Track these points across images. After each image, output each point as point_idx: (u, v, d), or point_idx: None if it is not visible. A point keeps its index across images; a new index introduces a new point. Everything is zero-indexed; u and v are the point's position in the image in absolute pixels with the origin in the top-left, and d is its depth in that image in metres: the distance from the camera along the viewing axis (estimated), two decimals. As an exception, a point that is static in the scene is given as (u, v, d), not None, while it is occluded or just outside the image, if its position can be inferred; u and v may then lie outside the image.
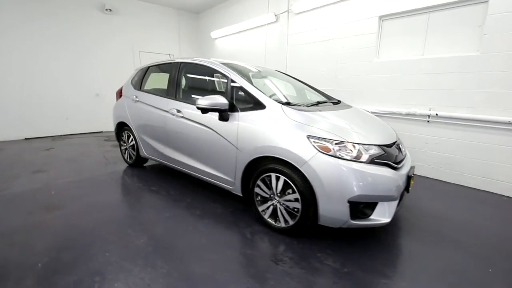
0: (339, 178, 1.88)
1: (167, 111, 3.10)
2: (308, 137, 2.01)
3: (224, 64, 2.81)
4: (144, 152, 3.63)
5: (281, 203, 2.20)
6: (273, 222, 2.30)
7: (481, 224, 2.56)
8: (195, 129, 2.77)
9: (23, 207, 2.70)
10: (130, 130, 3.79)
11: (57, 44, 6.13)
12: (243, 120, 2.38)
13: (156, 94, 3.40)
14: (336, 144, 1.95)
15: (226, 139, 2.48)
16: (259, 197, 2.36)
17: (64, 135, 6.52)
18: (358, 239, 2.22)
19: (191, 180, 3.49)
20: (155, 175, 3.70)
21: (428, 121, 3.62)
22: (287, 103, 2.34)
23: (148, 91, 3.57)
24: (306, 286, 1.69)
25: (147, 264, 1.86)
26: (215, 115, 2.57)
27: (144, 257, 1.94)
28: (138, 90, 3.71)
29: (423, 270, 1.88)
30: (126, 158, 4.08)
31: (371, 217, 1.97)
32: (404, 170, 2.15)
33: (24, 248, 2.03)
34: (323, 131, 2.03)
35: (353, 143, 1.98)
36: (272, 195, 2.25)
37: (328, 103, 2.86)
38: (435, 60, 3.49)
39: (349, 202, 1.88)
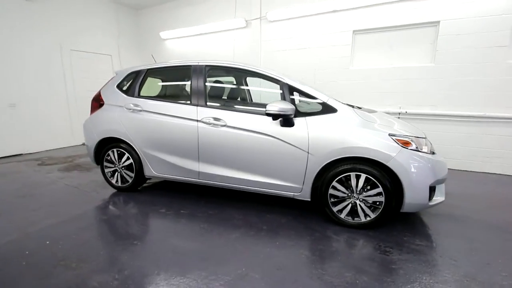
0: (422, 168, 2.19)
1: (197, 121, 2.72)
2: (390, 135, 2.24)
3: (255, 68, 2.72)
4: (152, 171, 3.03)
5: (361, 199, 2.34)
6: (351, 220, 2.41)
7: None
8: (248, 138, 2.56)
9: (32, 276, 1.84)
10: (126, 147, 3.08)
11: None
12: (313, 124, 2.39)
13: (172, 102, 2.91)
14: (412, 139, 2.25)
15: (294, 145, 2.42)
16: (332, 199, 2.43)
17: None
18: (404, 221, 2.60)
19: (207, 193, 3.16)
20: (162, 196, 3.17)
21: (398, 117, 4.49)
22: (351, 106, 2.50)
23: (157, 99, 3.01)
24: (428, 265, 1.90)
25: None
26: (272, 121, 2.48)
27: None
28: (136, 97, 3.06)
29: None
30: (115, 182, 3.27)
31: (434, 197, 2.37)
32: None
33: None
34: (400, 130, 2.31)
35: (421, 137, 2.33)
36: (350, 194, 2.36)
37: (356, 106, 3.17)
38: (402, 68, 4.37)
39: (430, 187, 2.21)
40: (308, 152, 2.39)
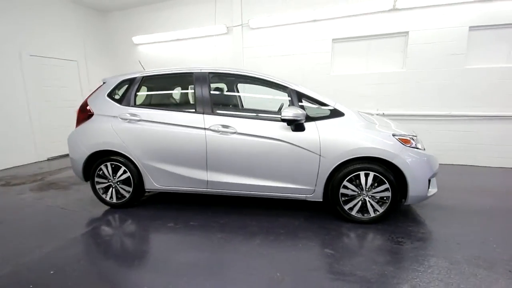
0: (422, 163, 2.44)
1: (205, 129, 2.67)
2: (393, 135, 2.46)
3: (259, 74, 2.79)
4: (154, 184, 2.87)
5: (370, 196, 2.52)
6: (361, 216, 2.57)
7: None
8: (259, 144, 2.59)
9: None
10: (122, 159, 2.88)
11: None
12: (324, 128, 2.52)
13: (175, 110, 2.80)
14: (411, 138, 2.50)
15: (306, 149, 2.51)
16: (343, 197, 2.56)
17: None
18: (404, 214, 2.87)
19: (211, 202, 3.11)
20: (164, 209, 3.03)
21: (376, 118, 4.89)
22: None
23: (157, 107, 2.86)
24: (438, 250, 2.12)
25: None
26: (283, 126, 2.55)
27: None
28: (132, 106, 2.89)
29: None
30: (109, 198, 3.02)
31: (430, 189, 2.65)
32: None
33: None
34: (398, 129, 2.54)
35: (414, 136, 2.60)
36: (360, 192, 2.52)
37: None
38: (378, 74, 4.78)
39: (428, 180, 2.47)
40: (320, 155, 2.50)
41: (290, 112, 2.39)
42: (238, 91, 3.74)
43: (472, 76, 4.24)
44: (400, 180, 2.46)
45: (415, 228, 2.49)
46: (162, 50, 6.35)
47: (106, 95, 3.00)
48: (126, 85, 3.01)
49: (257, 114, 2.83)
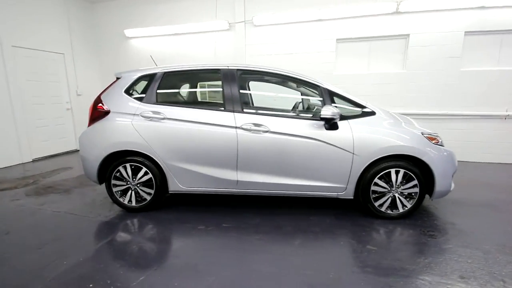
0: (446, 159, 2.57)
1: (236, 127, 2.59)
2: (422, 133, 2.57)
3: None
4: (179, 185, 2.75)
5: (399, 192, 2.61)
6: (391, 212, 2.66)
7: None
8: (293, 143, 2.57)
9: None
10: (143, 160, 2.71)
11: None
12: (357, 126, 2.56)
13: (203, 108, 2.69)
14: (437, 136, 2.63)
15: (340, 147, 2.54)
16: (374, 194, 2.64)
17: None
18: (424, 209, 3.02)
19: (234, 203, 3.07)
20: (187, 211, 2.92)
21: (378, 117, 5.08)
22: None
23: (182, 105, 2.73)
24: (468, 241, 2.25)
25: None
26: (315, 124, 2.56)
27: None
28: (154, 104, 2.72)
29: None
30: (127, 202, 2.83)
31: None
32: None
33: None
34: (424, 128, 2.66)
35: (436, 134, 2.73)
36: (390, 188, 2.61)
37: None
38: (379, 74, 4.96)
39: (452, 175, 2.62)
40: (353, 153, 2.54)
41: (329, 111, 2.40)
42: (247, 89, 3.67)
43: (467, 78, 4.55)
44: (427, 176, 2.59)
45: (441, 222, 2.63)
46: (158, 44, 6.06)
47: (123, 91, 2.80)
48: (146, 81, 2.84)
49: (288, 112, 2.82)
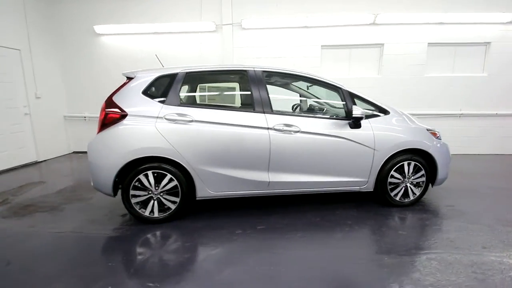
0: (445, 151, 3.00)
1: (268, 128, 2.60)
2: (427, 129, 2.94)
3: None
4: (208, 191, 2.63)
5: (410, 182, 2.94)
6: (403, 200, 2.98)
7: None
8: (322, 142, 2.70)
9: None
10: (167, 166, 2.51)
11: None
12: (376, 125, 2.82)
13: (234, 110, 2.63)
14: (437, 131, 3.04)
15: (363, 144, 2.76)
16: (390, 186, 2.92)
17: None
18: (429, 196, 3.45)
19: (258, 204, 3.09)
20: (214, 217, 2.81)
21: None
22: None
23: (207, 107, 2.61)
24: (475, 219, 2.67)
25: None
26: (341, 124, 2.74)
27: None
28: (179, 105, 2.56)
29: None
30: (149, 213, 2.58)
31: (446, 173, 3.26)
32: None
33: None
34: (422, 124, 3.04)
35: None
36: (403, 179, 2.92)
37: None
38: (358, 79, 5.46)
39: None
40: (374, 149, 2.78)
41: (359, 111, 2.59)
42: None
43: (429, 83, 5.33)
44: (430, 166, 2.97)
45: (450, 206, 3.02)
46: (135, 43, 5.60)
47: (141, 92, 2.56)
48: (166, 82, 2.65)
49: (315, 113, 2.94)
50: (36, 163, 5.17)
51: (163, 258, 2.11)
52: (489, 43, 5.12)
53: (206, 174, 2.59)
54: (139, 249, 2.24)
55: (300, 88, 3.49)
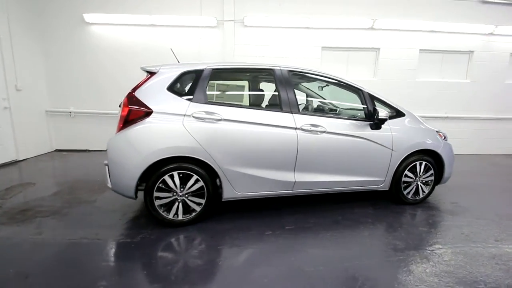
0: (450, 151, 3.21)
1: (296, 128, 2.60)
2: (437, 131, 3.13)
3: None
4: (235, 191, 2.56)
5: (421, 181, 3.12)
6: (415, 198, 3.14)
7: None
8: (346, 142, 2.77)
9: None
10: (193, 167, 2.41)
11: None
12: (394, 126, 2.95)
13: (262, 109, 2.59)
14: (443, 133, 3.25)
15: (382, 145, 2.87)
16: (404, 184, 3.06)
17: None
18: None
19: (272, 204, 3.09)
20: (237, 219, 2.74)
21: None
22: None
23: (238, 105, 2.54)
24: (479, 212, 2.90)
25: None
26: (362, 124, 2.83)
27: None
28: (207, 103, 2.45)
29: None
30: (173, 215, 2.45)
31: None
32: None
33: None
34: (429, 126, 3.23)
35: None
36: (415, 178, 3.08)
37: None
38: (355, 81, 5.59)
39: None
40: (392, 149, 2.90)
41: (383, 113, 2.68)
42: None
43: (420, 87, 5.67)
44: (438, 165, 3.17)
45: (454, 203, 3.24)
46: (129, 34, 5.28)
47: (166, 88, 2.42)
48: (192, 78, 2.53)
49: (340, 113, 3.00)
50: (16, 162, 4.67)
51: (201, 263, 2.02)
52: (472, 51, 5.59)
53: (233, 175, 2.52)
54: (171, 255, 2.12)
55: (308, 89, 3.53)
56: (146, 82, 2.44)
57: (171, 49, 3.23)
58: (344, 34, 5.42)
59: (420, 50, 5.53)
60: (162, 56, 5.28)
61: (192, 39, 5.38)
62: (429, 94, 5.71)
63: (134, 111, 2.32)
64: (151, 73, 2.50)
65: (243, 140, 2.50)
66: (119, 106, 2.84)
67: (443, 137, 3.21)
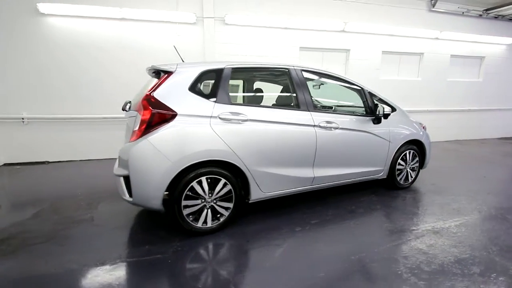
0: (429, 140, 3.71)
1: (314, 126, 2.70)
2: (418, 123, 3.58)
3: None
4: (261, 192, 2.56)
5: (409, 168, 3.54)
6: (405, 183, 3.56)
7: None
8: (354, 137, 3.00)
9: None
10: (220, 170, 2.32)
11: None
12: (390, 120, 3.26)
13: (282, 108, 2.62)
14: (423, 124, 3.73)
15: (381, 137, 3.18)
16: (398, 171, 3.44)
17: None
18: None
19: (285, 201, 3.20)
20: (261, 219, 2.75)
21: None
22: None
23: (260, 105, 2.53)
24: (459, 191, 3.44)
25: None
26: (366, 119, 3.08)
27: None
28: (229, 103, 2.38)
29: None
30: (201, 223, 2.32)
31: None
32: None
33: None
34: (414, 119, 3.69)
35: None
36: (405, 165, 3.48)
37: None
38: (330, 79, 6.03)
39: (429, 149, 3.81)
40: (389, 141, 3.23)
41: (387, 108, 2.96)
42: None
43: (382, 85, 6.34)
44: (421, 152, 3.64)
45: (433, 184, 3.75)
46: (95, 28, 4.68)
47: (187, 89, 2.25)
48: (212, 78, 2.41)
49: (347, 110, 3.20)
50: (-45, 182, 3.77)
51: (255, 265, 1.98)
52: (422, 53, 6.49)
53: (260, 175, 2.50)
54: (219, 264, 2.02)
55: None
56: (164, 83, 2.24)
57: (174, 46, 3.02)
58: (319, 35, 5.74)
59: (382, 51, 6.19)
60: (135, 54, 4.87)
61: (168, 36, 5.04)
62: (391, 92, 6.41)
63: (158, 114, 2.11)
64: (167, 72, 2.30)
65: (268, 139, 2.50)
66: (123, 109, 2.57)
67: (424, 128, 3.69)
